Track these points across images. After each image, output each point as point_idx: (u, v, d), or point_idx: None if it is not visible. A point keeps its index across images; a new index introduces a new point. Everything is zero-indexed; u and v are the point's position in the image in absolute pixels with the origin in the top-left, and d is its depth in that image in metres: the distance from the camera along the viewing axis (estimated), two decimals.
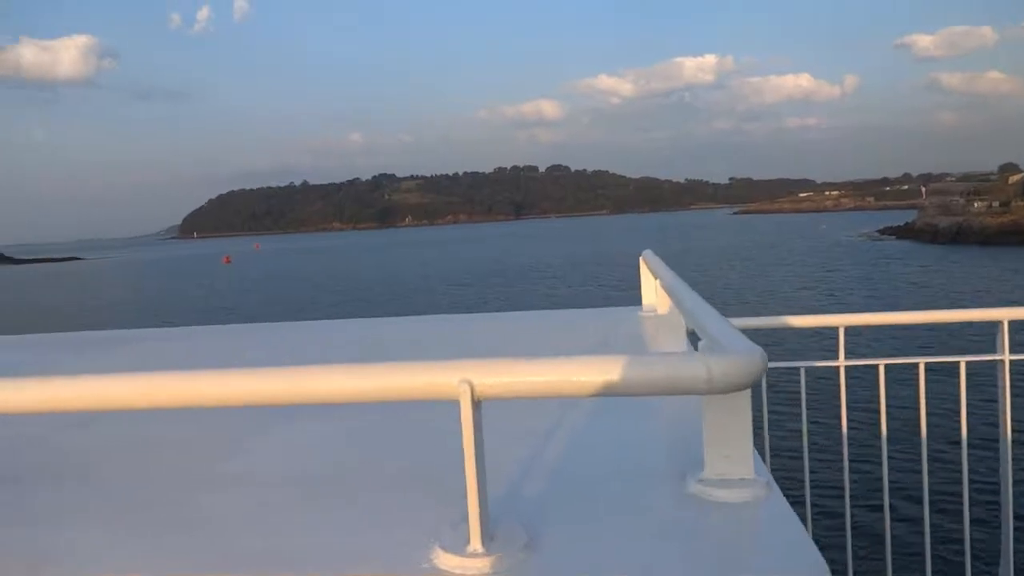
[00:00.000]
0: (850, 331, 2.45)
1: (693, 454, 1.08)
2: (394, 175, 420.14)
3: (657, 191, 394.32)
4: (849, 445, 2.51)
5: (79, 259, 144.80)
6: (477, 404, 0.89)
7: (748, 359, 0.90)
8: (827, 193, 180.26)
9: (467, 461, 0.88)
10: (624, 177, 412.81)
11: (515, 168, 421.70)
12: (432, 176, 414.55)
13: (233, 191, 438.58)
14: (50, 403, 0.93)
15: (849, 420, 2.52)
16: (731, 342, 0.98)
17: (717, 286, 30.26)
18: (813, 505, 2.48)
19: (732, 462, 1.01)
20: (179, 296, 47.68)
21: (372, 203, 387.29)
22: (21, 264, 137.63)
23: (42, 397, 0.92)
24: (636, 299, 2.89)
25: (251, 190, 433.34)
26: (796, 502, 1.26)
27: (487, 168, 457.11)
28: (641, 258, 2.87)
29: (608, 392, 0.86)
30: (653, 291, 2.74)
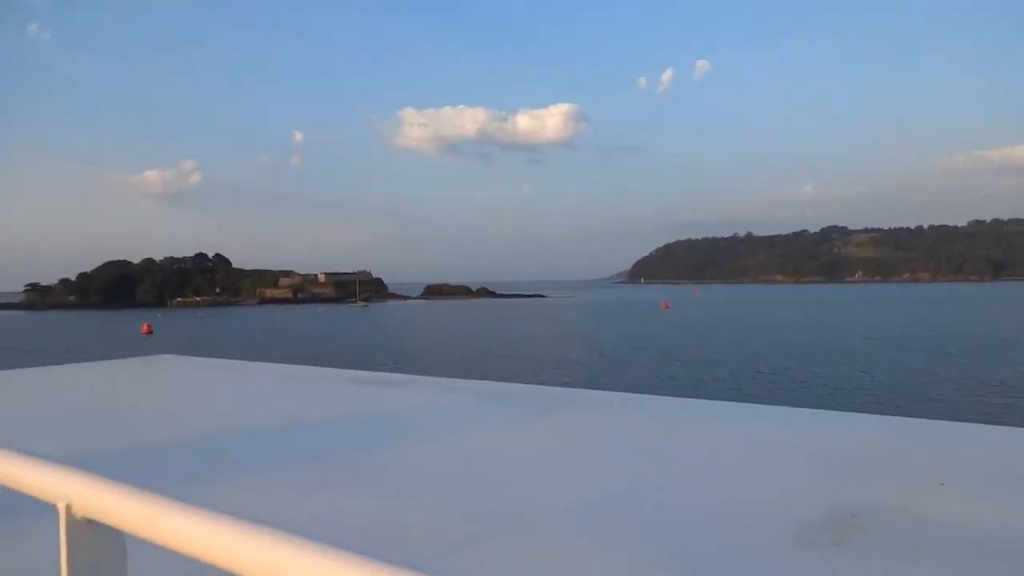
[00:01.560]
0: None
1: None
2: (845, 227, 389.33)
3: None
4: None
5: (543, 296, 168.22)
6: (78, 527, 0.75)
7: None
8: None
9: None
10: None
11: (996, 221, 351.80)
12: (890, 229, 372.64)
13: (680, 240, 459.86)
14: None
15: None
16: None
17: None
18: None
19: None
20: (617, 335, 52.80)
21: (818, 256, 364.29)
22: (500, 298, 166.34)
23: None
24: None
25: (696, 240, 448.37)
26: None
27: (959, 221, 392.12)
28: None
29: None
30: None
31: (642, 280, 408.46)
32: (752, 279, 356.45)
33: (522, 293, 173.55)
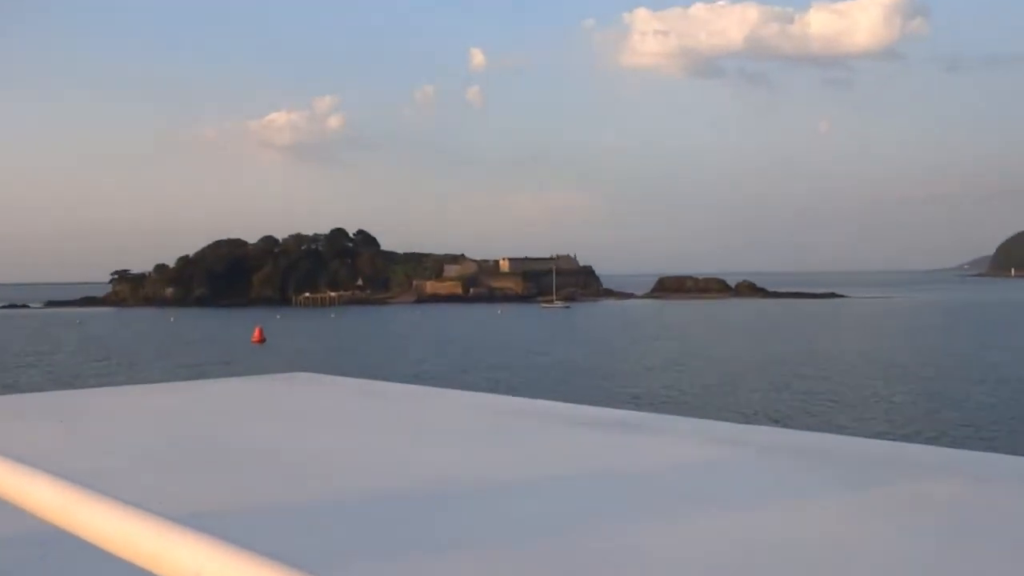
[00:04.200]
0: None
1: None
2: None
3: None
4: None
5: (840, 296, 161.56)
6: None
7: None
8: None
9: None
10: None
11: None
12: None
13: None
14: None
15: None
16: None
17: None
18: None
19: None
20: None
21: None
22: (774, 297, 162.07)
23: None
24: None
25: None
26: None
27: None
28: None
29: None
30: None
31: (1012, 272, 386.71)
32: None
33: (806, 291, 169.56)
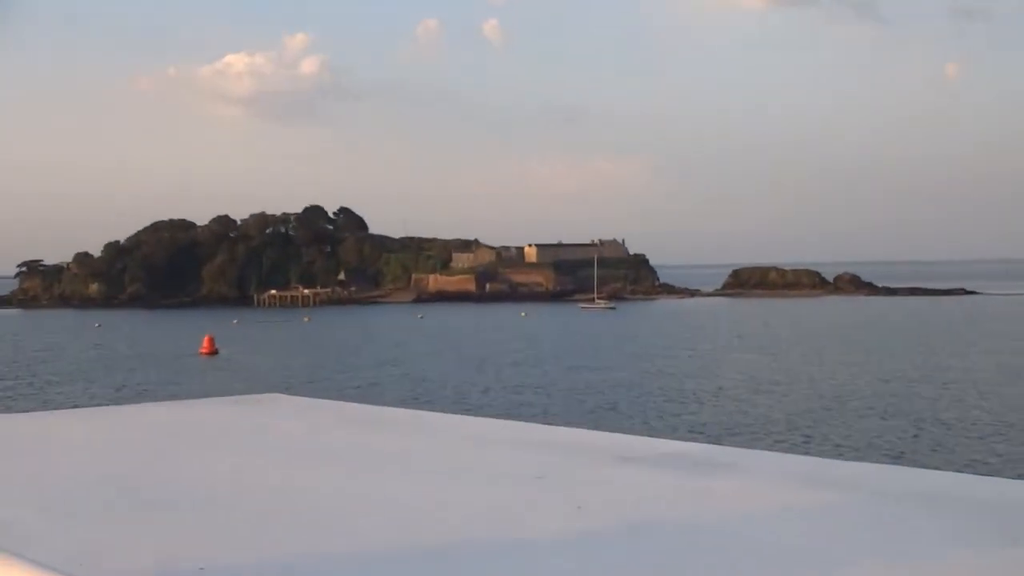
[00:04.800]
0: None
1: None
2: None
3: None
4: None
5: (971, 292, 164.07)
6: None
7: None
8: None
9: None
10: None
11: None
12: None
13: None
14: None
15: None
16: None
17: None
18: None
19: None
20: None
21: None
22: (884, 295, 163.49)
23: None
24: None
25: None
26: None
27: None
28: None
29: None
30: None
31: None
32: None
33: (927, 287, 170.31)
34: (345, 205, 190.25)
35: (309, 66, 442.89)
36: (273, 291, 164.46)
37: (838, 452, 31.86)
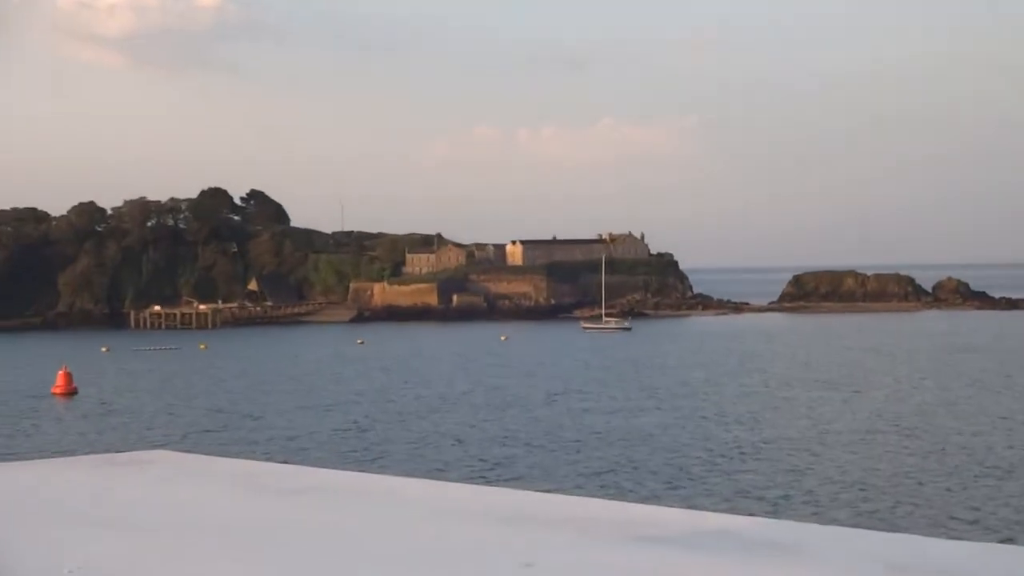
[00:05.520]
0: None
1: None
2: None
3: None
4: None
5: None
6: None
7: None
8: None
9: None
10: None
11: None
12: None
13: None
14: None
15: None
16: None
17: None
18: None
19: None
20: None
21: None
22: (1005, 308, 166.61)
23: None
24: None
25: None
26: None
27: None
28: None
29: None
30: None
31: None
32: None
33: None
34: (257, 188, 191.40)
35: None
36: (157, 307, 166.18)
37: (936, 528, 32.40)
